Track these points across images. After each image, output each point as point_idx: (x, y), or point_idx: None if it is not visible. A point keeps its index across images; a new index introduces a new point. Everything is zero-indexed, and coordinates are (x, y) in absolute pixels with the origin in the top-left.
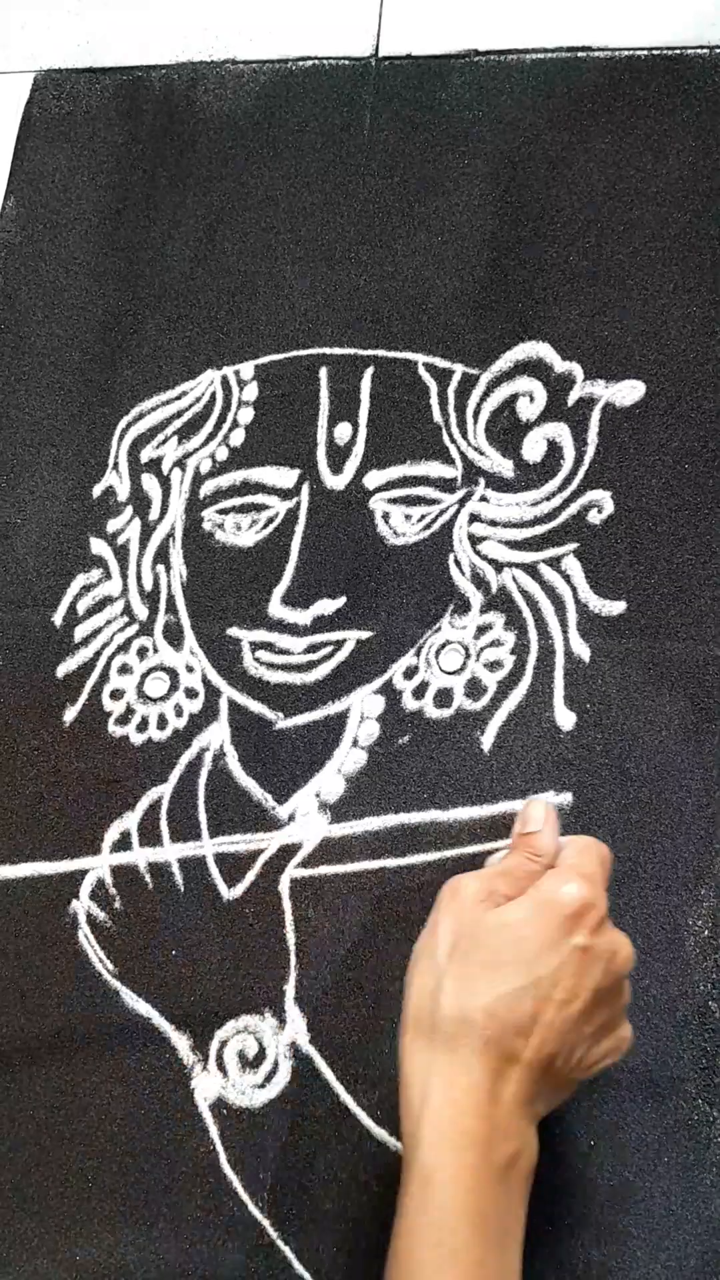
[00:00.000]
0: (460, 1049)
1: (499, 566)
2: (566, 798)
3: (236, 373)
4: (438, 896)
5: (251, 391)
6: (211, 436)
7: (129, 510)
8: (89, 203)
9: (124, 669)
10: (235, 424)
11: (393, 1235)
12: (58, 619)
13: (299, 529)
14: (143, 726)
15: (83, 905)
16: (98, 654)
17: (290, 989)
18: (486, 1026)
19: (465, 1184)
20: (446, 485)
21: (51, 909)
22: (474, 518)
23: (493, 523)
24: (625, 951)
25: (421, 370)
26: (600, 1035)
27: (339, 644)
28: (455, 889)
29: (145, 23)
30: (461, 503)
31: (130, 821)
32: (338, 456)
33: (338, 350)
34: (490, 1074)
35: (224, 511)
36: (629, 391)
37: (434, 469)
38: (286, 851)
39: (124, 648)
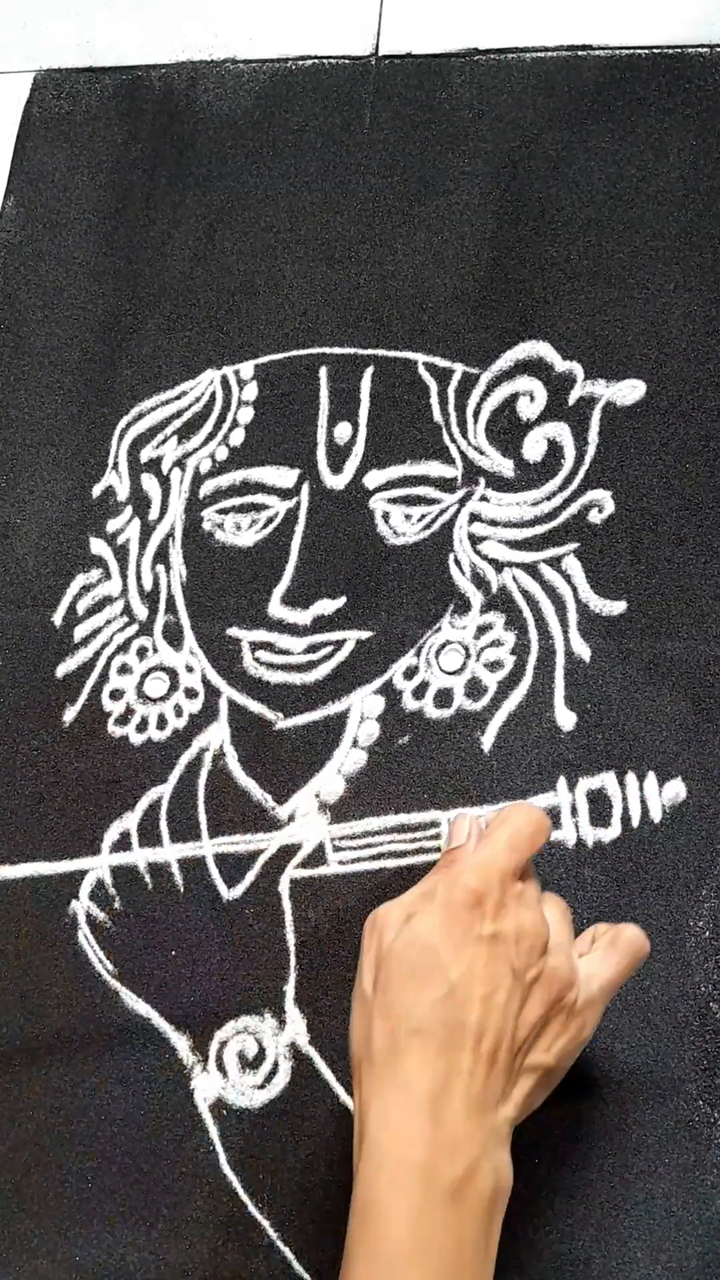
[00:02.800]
0: (395, 1075)
1: (499, 566)
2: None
3: (236, 372)
4: (362, 932)
5: (251, 391)
6: (211, 436)
7: (129, 510)
8: (89, 202)
9: (124, 669)
10: (235, 423)
11: (340, 1275)
12: (57, 619)
13: (299, 529)
14: (142, 726)
15: (82, 906)
16: (97, 654)
17: (290, 989)
18: (416, 1047)
19: (404, 1216)
20: (446, 485)
21: (51, 909)
22: (474, 517)
23: (493, 522)
24: (530, 923)
25: (421, 370)
26: (549, 1015)
27: (339, 644)
28: (374, 920)
29: (145, 23)
30: (462, 502)
31: (130, 822)
32: (338, 456)
33: (338, 350)
34: (427, 1096)
35: (224, 511)
36: (630, 391)
37: (434, 468)
38: (286, 852)
39: (124, 648)
